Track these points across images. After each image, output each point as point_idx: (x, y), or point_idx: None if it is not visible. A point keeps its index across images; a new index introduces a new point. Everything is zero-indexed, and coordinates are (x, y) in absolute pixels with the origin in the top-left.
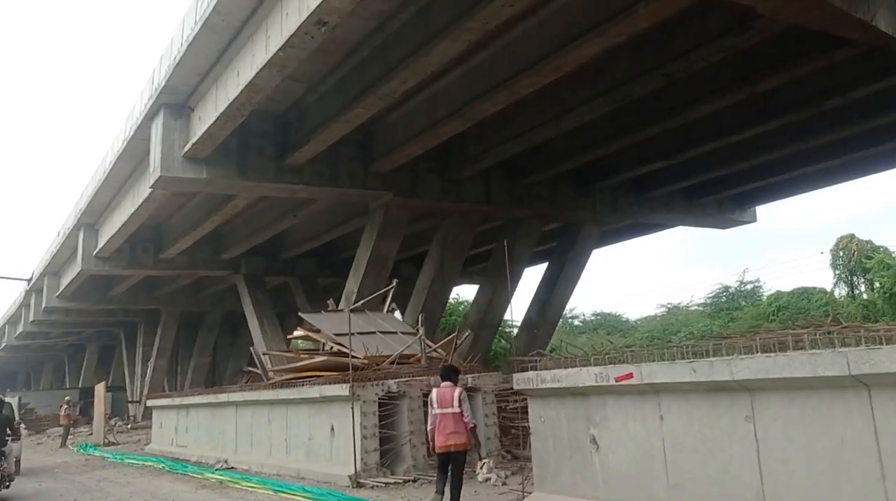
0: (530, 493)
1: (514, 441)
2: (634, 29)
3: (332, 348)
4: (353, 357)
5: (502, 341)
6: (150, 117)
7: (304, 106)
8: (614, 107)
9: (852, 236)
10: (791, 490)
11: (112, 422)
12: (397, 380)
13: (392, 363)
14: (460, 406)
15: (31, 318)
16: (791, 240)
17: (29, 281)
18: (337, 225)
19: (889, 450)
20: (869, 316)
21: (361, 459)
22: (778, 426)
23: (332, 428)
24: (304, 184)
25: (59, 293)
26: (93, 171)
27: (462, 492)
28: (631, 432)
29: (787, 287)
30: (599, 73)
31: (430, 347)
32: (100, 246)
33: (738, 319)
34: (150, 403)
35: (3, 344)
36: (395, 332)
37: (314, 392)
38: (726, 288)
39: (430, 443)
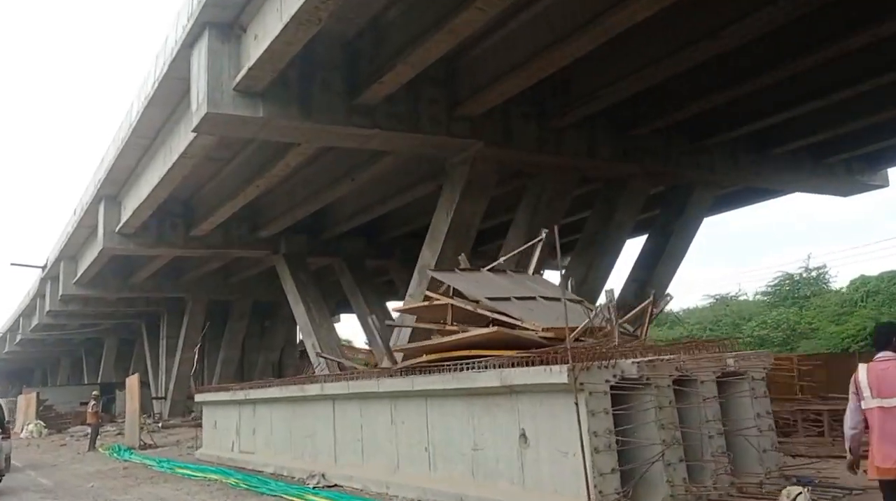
0: None
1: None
2: None
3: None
4: (526, 329)
5: None
6: (189, 44)
7: (383, 25)
8: (746, 41)
9: None
10: None
11: (144, 421)
12: (636, 361)
13: (576, 339)
14: None
15: (46, 309)
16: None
17: (43, 268)
18: (398, 192)
19: None
20: None
21: (595, 486)
22: None
23: (524, 435)
24: (379, 129)
25: (76, 279)
26: (114, 131)
27: None
28: None
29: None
30: None
31: (616, 319)
32: (123, 220)
33: (816, 306)
34: (199, 397)
35: (19, 338)
36: (558, 299)
37: (486, 379)
38: (790, 276)
39: (853, 459)
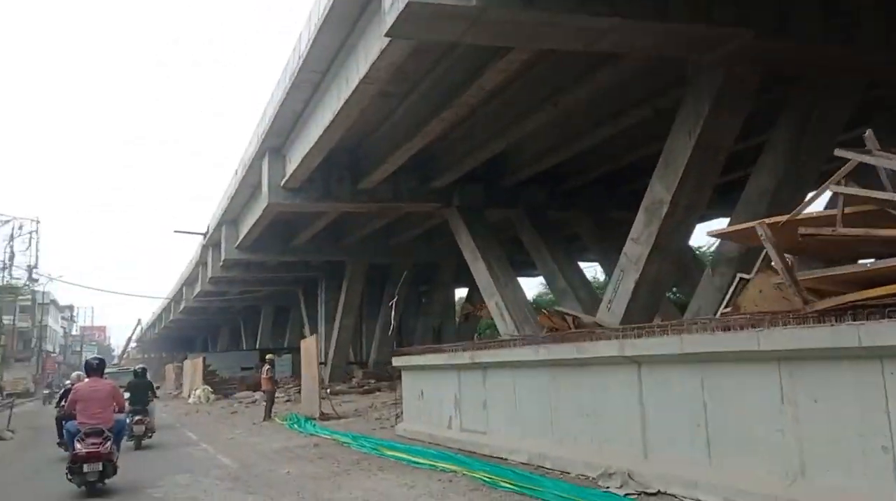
0: None
1: None
2: None
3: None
4: None
5: None
6: None
7: None
8: None
9: None
10: None
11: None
12: None
13: None
14: None
15: (208, 276)
16: None
17: (205, 234)
18: (594, 126)
19: None
20: None
21: None
22: None
23: None
24: (620, 18)
25: (238, 243)
26: (277, 77)
27: None
28: None
29: None
30: None
31: None
32: (288, 173)
33: None
34: (399, 362)
35: (182, 306)
36: None
37: None
38: None
39: None
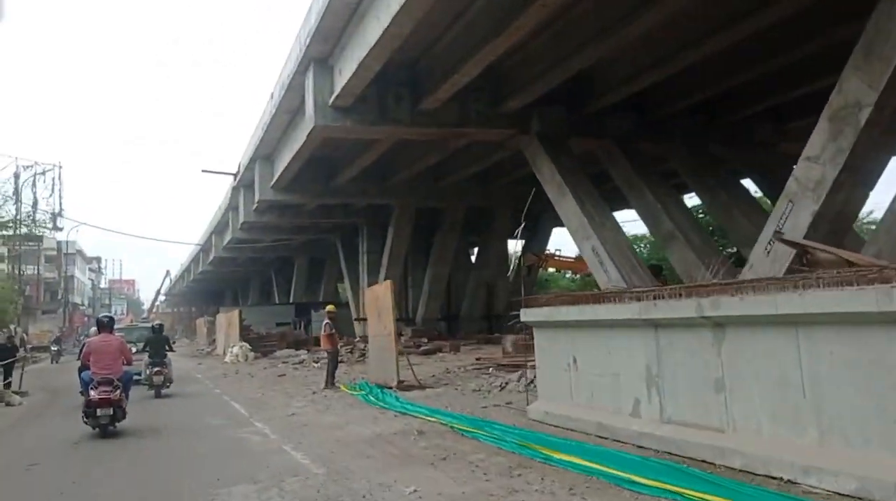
0: None
1: None
2: None
3: None
4: None
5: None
6: None
7: None
8: None
9: None
10: None
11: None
12: None
13: None
14: None
15: (240, 221)
16: None
17: (235, 175)
18: (691, 43)
19: None
20: None
21: None
22: None
23: None
24: None
25: (273, 183)
26: None
27: None
28: None
29: None
30: None
31: None
32: (338, 88)
33: None
34: (531, 316)
35: (212, 257)
36: None
37: None
38: None
39: None
